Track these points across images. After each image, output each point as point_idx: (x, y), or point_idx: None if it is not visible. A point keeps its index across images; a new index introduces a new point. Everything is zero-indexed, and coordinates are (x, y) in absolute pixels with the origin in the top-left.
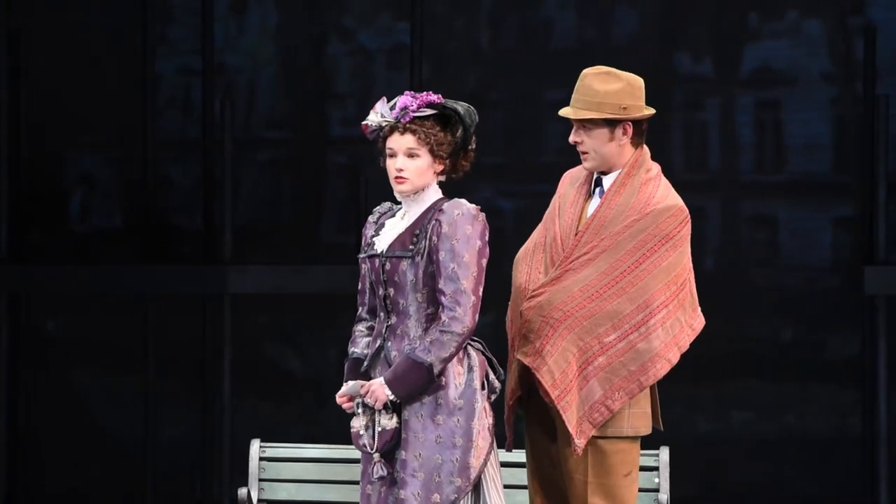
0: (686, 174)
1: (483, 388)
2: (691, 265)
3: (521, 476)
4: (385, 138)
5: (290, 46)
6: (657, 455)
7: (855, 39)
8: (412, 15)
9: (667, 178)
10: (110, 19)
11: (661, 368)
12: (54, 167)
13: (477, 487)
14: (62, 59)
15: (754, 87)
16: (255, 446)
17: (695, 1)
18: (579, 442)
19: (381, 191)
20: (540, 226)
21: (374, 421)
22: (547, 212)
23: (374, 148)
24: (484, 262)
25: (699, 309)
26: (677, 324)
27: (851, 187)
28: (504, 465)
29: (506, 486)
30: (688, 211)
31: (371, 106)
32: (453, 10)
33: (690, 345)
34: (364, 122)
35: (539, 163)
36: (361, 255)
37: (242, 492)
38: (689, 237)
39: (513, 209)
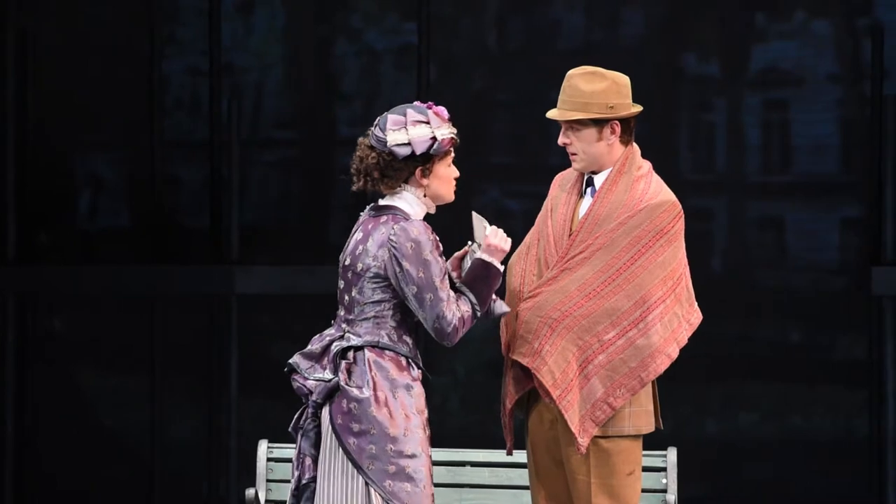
0: (693, 175)
1: None
2: (686, 260)
3: (525, 477)
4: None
5: (297, 47)
6: (665, 456)
7: (862, 40)
8: (419, 15)
9: (673, 178)
10: (118, 19)
11: (661, 364)
12: (61, 167)
13: None
14: (69, 59)
15: (761, 87)
16: (263, 447)
17: (702, 1)
18: (582, 441)
19: None
20: (532, 229)
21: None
22: (539, 214)
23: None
24: None
25: (696, 304)
26: (675, 319)
27: (859, 188)
28: (507, 466)
29: (509, 488)
30: (681, 206)
31: (376, 107)
32: (460, 10)
33: (699, 345)
34: (452, 136)
35: (547, 164)
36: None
37: (250, 492)
38: (682, 232)
39: (521, 210)
